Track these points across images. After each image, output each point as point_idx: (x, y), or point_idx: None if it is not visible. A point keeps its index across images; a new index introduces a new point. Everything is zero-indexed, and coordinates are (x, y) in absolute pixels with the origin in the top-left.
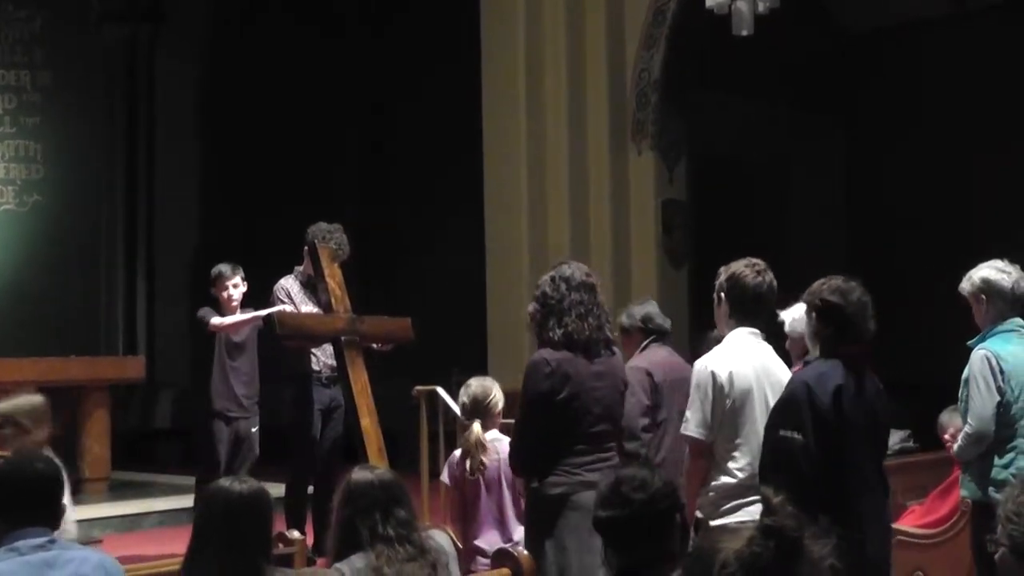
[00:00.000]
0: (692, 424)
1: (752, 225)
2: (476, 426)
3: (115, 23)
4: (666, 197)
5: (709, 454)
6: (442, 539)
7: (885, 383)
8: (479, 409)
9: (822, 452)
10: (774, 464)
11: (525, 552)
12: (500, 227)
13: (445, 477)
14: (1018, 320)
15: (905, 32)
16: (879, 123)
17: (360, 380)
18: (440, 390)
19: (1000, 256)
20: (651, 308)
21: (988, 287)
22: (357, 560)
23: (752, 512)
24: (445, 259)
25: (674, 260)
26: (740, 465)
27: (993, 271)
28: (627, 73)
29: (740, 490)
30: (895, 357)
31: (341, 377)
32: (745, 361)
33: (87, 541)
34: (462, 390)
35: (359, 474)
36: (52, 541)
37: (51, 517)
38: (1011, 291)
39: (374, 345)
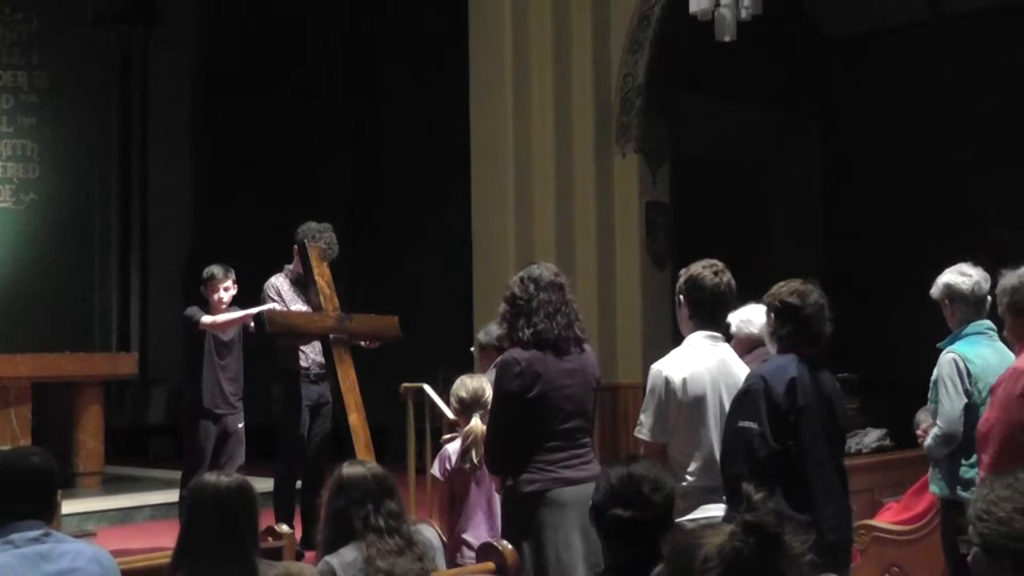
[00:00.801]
0: (645, 427)
1: (733, 226)
2: (477, 420)
3: (109, 25)
4: (650, 199)
5: (664, 455)
6: (429, 533)
7: (863, 381)
8: (477, 404)
9: (777, 440)
10: (733, 452)
11: (509, 546)
12: (487, 227)
13: (436, 471)
14: (987, 323)
15: (882, 37)
16: (857, 126)
17: (348, 377)
18: (427, 387)
19: (976, 256)
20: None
21: (950, 292)
22: (347, 553)
23: (706, 511)
24: (432, 258)
25: (658, 260)
26: (693, 468)
27: (955, 275)
28: (612, 77)
29: (694, 491)
30: (872, 355)
31: (329, 374)
32: (700, 365)
33: (81, 534)
34: (455, 387)
35: (352, 468)
36: (47, 534)
37: (46, 510)
38: (971, 294)
39: (362, 343)
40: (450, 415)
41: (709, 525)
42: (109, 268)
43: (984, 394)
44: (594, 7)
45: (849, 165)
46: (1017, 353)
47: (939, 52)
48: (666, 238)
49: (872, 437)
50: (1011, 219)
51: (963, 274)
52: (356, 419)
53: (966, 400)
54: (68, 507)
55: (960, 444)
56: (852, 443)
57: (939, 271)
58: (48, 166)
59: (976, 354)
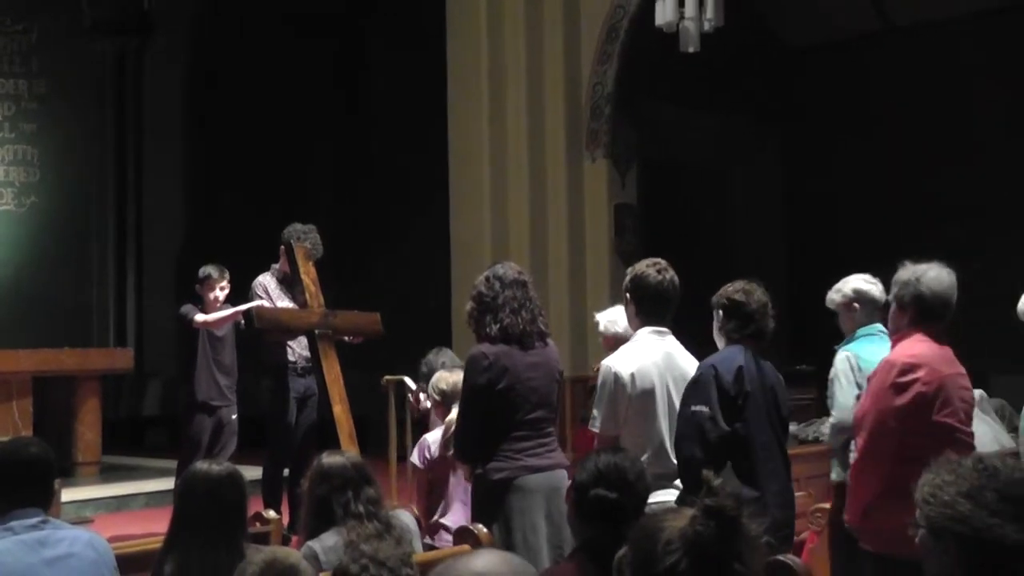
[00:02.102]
0: (598, 420)
1: (698, 227)
2: (456, 412)
3: (106, 35)
4: (618, 201)
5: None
6: (407, 518)
7: (820, 373)
8: (455, 398)
9: (726, 423)
10: (686, 435)
11: (484, 529)
12: (464, 226)
13: (416, 459)
14: (879, 325)
15: (838, 47)
16: (815, 132)
17: (333, 370)
18: (407, 379)
19: (930, 255)
20: (445, 357)
21: (860, 296)
22: (328, 538)
23: (658, 496)
24: (413, 256)
25: (626, 260)
26: (644, 457)
27: (863, 283)
28: (583, 86)
29: None
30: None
31: (315, 368)
32: (648, 359)
33: (79, 521)
34: (435, 379)
35: (331, 457)
36: (45, 521)
37: (44, 498)
38: (879, 299)
39: (346, 338)
40: (425, 402)
41: (671, 509)
42: (106, 267)
43: None
44: (565, 20)
45: (809, 169)
46: (893, 344)
47: (891, 60)
48: (633, 238)
49: (828, 425)
50: (964, 219)
51: (869, 282)
52: (340, 410)
53: (856, 391)
54: (67, 495)
55: (851, 433)
56: (810, 431)
57: (894, 270)
58: (48, 170)
59: (868, 352)
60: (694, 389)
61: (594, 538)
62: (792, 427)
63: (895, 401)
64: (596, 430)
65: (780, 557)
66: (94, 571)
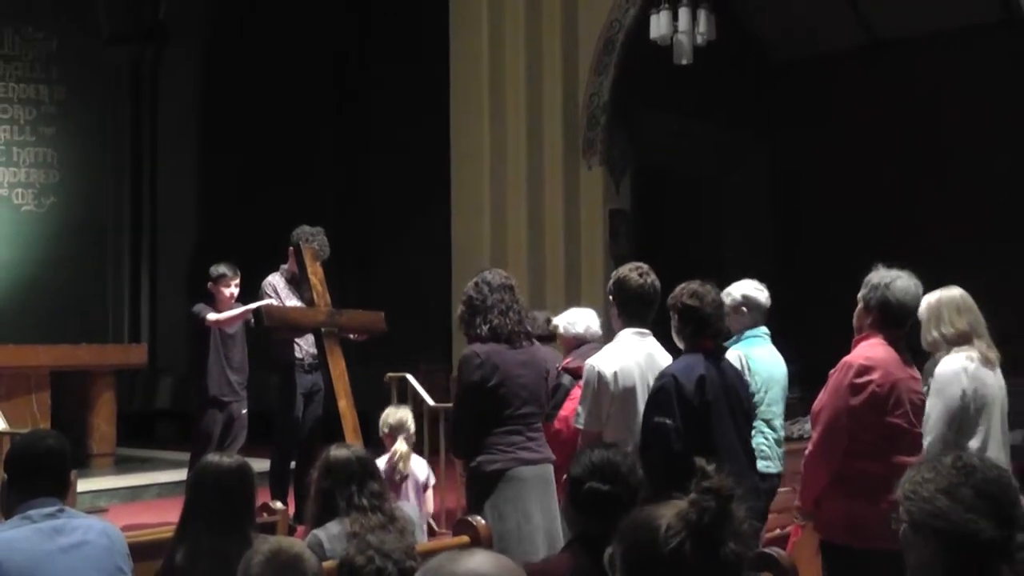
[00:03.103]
0: (583, 417)
1: (689, 232)
2: (401, 443)
3: (123, 44)
4: (613, 206)
5: (599, 441)
6: (409, 509)
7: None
8: (401, 429)
9: (690, 431)
10: (651, 444)
11: (483, 521)
12: (465, 231)
13: None
14: (763, 328)
15: (824, 61)
16: (803, 142)
17: (338, 367)
18: (409, 376)
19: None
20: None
21: (748, 301)
22: (332, 527)
23: None
24: (415, 258)
25: (620, 263)
26: (627, 452)
27: (752, 289)
28: (580, 96)
29: None
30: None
31: (321, 364)
32: (630, 359)
33: (94, 510)
34: (383, 416)
35: (338, 451)
36: (61, 510)
37: (60, 488)
38: (765, 305)
39: (351, 336)
40: (430, 402)
41: (658, 504)
42: (121, 265)
43: (759, 384)
44: (564, 32)
45: (796, 177)
46: (853, 345)
47: (875, 73)
48: (627, 242)
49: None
50: (945, 227)
51: (757, 288)
52: (345, 405)
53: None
54: (83, 485)
55: None
56: (794, 429)
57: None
58: (67, 172)
59: (755, 352)
60: (656, 400)
61: (589, 530)
62: None
63: (850, 400)
64: (581, 426)
65: (767, 550)
66: (108, 558)
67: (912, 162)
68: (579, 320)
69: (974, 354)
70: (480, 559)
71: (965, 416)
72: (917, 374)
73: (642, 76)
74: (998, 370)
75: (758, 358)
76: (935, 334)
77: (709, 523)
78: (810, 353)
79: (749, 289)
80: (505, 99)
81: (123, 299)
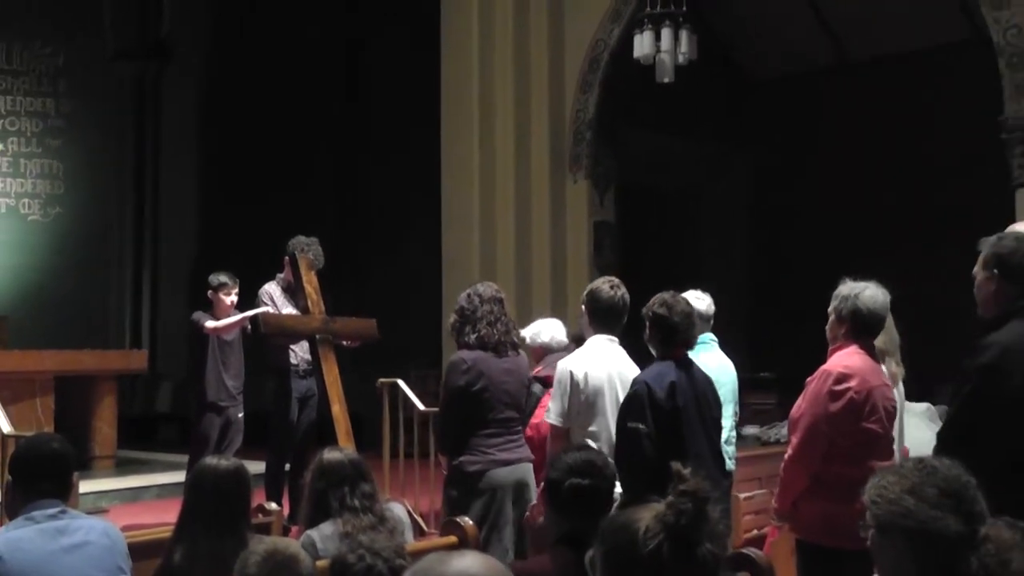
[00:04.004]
0: (553, 413)
1: (670, 243)
2: None
3: (127, 60)
4: (597, 219)
5: (566, 438)
6: (399, 510)
7: (781, 380)
8: None
9: (662, 436)
10: (625, 449)
11: (471, 522)
12: (455, 241)
13: None
14: (710, 335)
15: (799, 79)
16: (778, 158)
17: (332, 372)
18: (401, 382)
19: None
20: None
21: (695, 310)
22: (326, 527)
23: None
24: (407, 269)
25: (603, 273)
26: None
27: (694, 300)
28: (566, 113)
29: None
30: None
31: (316, 370)
32: (599, 363)
33: (95, 511)
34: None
35: (331, 453)
36: (63, 511)
37: (63, 490)
38: (707, 313)
39: (344, 342)
40: (420, 407)
41: (635, 508)
42: (124, 274)
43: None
44: (551, 51)
45: (773, 192)
46: (830, 354)
47: (847, 91)
48: (611, 253)
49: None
50: (917, 240)
51: (698, 298)
52: (338, 410)
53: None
54: (85, 487)
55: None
56: (771, 433)
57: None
58: (72, 183)
59: (701, 358)
60: (630, 405)
61: (573, 528)
62: (755, 430)
63: (829, 407)
64: (552, 422)
65: (744, 550)
66: (108, 558)
67: (885, 176)
68: (544, 330)
69: (883, 370)
70: (469, 560)
71: None
72: (889, 383)
73: (626, 93)
74: (901, 385)
75: (704, 363)
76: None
77: (686, 525)
78: (786, 361)
79: (691, 299)
80: (494, 115)
81: (125, 306)
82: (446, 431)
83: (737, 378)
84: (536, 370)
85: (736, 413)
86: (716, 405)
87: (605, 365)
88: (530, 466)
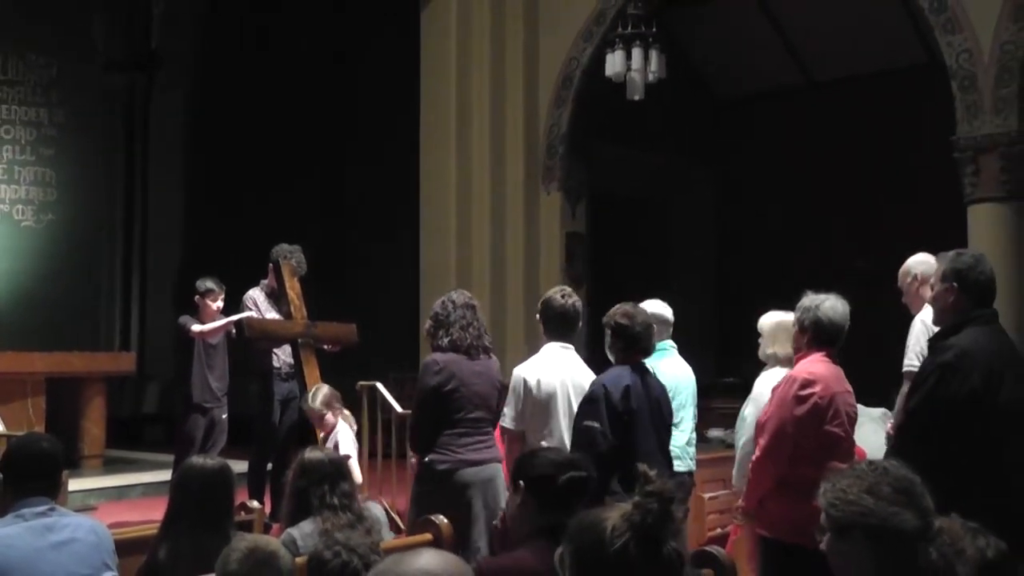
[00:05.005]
0: (508, 417)
1: (639, 255)
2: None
3: (117, 71)
4: (569, 230)
5: (522, 440)
6: (376, 510)
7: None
8: (332, 405)
9: (615, 436)
10: (581, 445)
11: (445, 520)
12: (432, 250)
13: None
14: (669, 341)
15: (765, 98)
16: (743, 172)
17: (313, 375)
18: (379, 385)
19: (840, 282)
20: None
21: (656, 318)
22: (306, 525)
23: None
24: (386, 275)
25: (575, 281)
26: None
27: (659, 307)
28: (540, 127)
29: None
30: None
31: (297, 373)
32: (552, 369)
33: (84, 508)
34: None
35: (312, 453)
36: (52, 509)
37: (52, 488)
38: (670, 320)
39: (325, 346)
40: (398, 409)
41: (603, 507)
42: (113, 279)
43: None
44: (525, 68)
45: (739, 205)
46: (796, 361)
47: (811, 111)
48: (582, 263)
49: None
50: (868, 253)
51: (663, 306)
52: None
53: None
54: (74, 485)
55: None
56: (736, 437)
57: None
58: (63, 190)
59: (661, 363)
60: (587, 406)
61: (548, 525)
62: (719, 432)
63: (795, 411)
64: (507, 425)
65: (708, 548)
66: (95, 554)
67: (844, 191)
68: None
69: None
70: (426, 558)
71: None
72: (851, 389)
73: (598, 110)
74: None
75: (664, 368)
76: (771, 351)
77: (652, 524)
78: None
79: (656, 307)
80: (471, 129)
81: (114, 310)
82: (418, 430)
83: (696, 383)
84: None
85: (696, 416)
86: (668, 410)
87: (558, 371)
88: (499, 466)
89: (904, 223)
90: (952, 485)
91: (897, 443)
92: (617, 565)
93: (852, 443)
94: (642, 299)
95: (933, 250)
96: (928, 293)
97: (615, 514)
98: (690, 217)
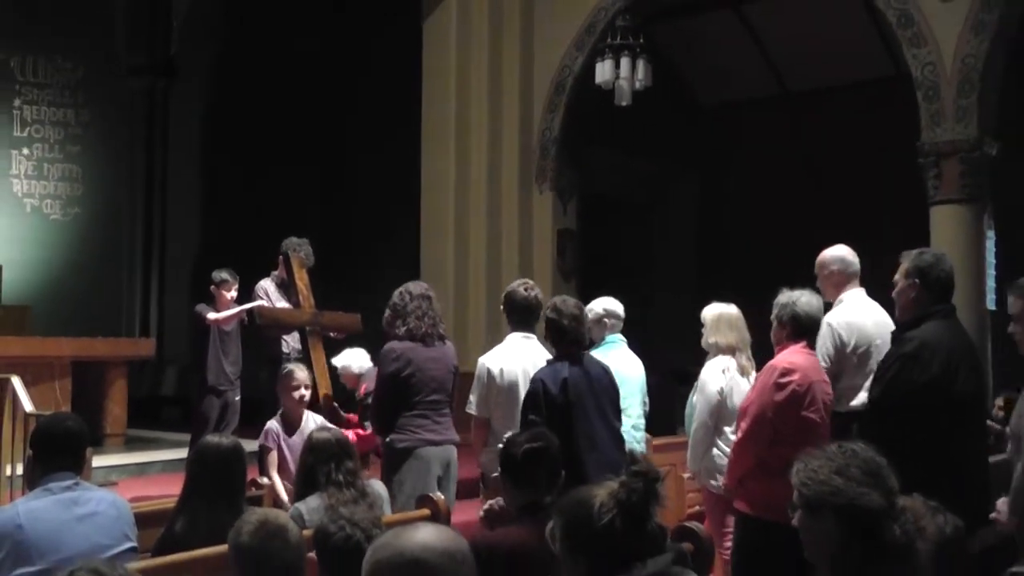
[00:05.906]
0: (473, 405)
1: (626, 249)
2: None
3: (139, 75)
4: (561, 227)
5: (487, 426)
6: (379, 487)
7: None
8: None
9: (553, 426)
10: None
11: (442, 496)
12: (432, 247)
13: (268, 442)
14: (619, 336)
15: (744, 106)
16: (724, 175)
17: (320, 361)
18: None
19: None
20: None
21: (609, 313)
22: (312, 500)
23: None
24: (388, 270)
25: (565, 275)
26: (508, 436)
27: (612, 304)
28: (533, 131)
29: None
30: None
31: (305, 358)
32: (514, 358)
33: (106, 484)
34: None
35: (320, 433)
36: (77, 483)
37: (77, 464)
38: (622, 315)
39: (331, 334)
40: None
41: (592, 485)
42: (135, 268)
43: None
44: (521, 75)
45: (720, 207)
46: (776, 352)
47: (786, 119)
48: (572, 258)
49: None
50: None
51: (615, 303)
52: (325, 394)
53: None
54: (97, 461)
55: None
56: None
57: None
58: (89, 186)
59: (611, 355)
60: (528, 400)
61: (531, 503)
62: None
63: (774, 397)
64: (472, 412)
65: (687, 524)
66: (116, 526)
67: (818, 194)
68: (353, 361)
69: (733, 363)
70: (424, 532)
71: (723, 408)
72: (827, 378)
73: (588, 114)
74: (752, 376)
75: (613, 360)
76: (712, 340)
77: (637, 502)
78: None
79: (610, 303)
80: (469, 133)
81: (135, 298)
82: (379, 412)
83: (645, 373)
84: (362, 389)
85: (645, 403)
86: (613, 389)
87: (520, 360)
88: (455, 448)
89: (871, 223)
90: (911, 468)
91: (860, 429)
92: (604, 539)
93: (828, 427)
94: (632, 293)
95: (899, 249)
96: (831, 285)
97: (603, 492)
98: (673, 215)
